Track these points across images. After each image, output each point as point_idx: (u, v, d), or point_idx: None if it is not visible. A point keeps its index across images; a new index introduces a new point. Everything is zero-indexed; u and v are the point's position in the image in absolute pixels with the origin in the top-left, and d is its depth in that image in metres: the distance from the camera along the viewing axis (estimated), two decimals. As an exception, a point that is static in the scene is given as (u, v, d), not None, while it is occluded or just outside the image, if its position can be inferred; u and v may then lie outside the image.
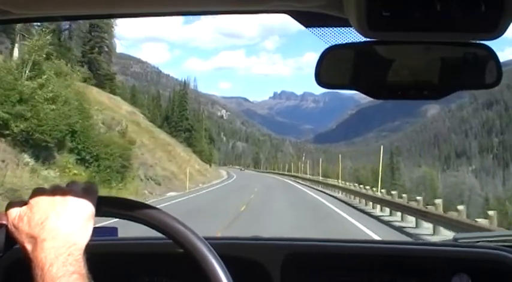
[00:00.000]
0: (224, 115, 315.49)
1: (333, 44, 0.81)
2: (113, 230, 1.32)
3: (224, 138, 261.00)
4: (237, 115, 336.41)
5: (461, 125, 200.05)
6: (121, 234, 1.35)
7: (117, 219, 0.75)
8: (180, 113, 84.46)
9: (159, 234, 0.71)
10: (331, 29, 0.80)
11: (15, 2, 0.76)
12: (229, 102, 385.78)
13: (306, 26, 0.81)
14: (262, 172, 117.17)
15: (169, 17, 0.89)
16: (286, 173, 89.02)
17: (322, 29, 0.81)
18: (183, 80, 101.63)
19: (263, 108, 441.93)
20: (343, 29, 0.79)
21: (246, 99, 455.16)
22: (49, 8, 0.81)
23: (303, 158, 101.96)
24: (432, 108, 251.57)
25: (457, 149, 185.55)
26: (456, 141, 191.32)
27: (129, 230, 1.15)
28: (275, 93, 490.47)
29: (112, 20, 38.12)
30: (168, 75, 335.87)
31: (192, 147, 76.07)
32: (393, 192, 19.25)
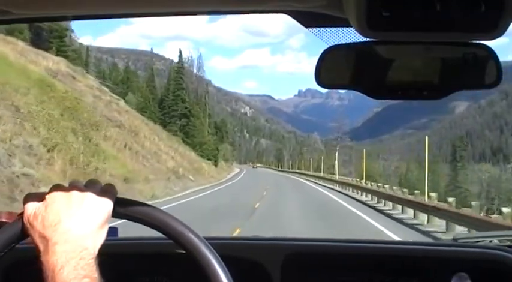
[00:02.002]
0: (248, 112, 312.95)
1: (333, 44, 0.81)
2: (113, 230, 1.32)
3: (247, 135, 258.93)
4: (261, 112, 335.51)
5: (495, 121, 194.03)
6: (121, 234, 1.36)
7: (119, 221, 0.75)
8: (174, 93, 63.99)
9: (159, 234, 0.72)
10: (331, 29, 0.80)
11: (15, 2, 0.76)
12: (254, 100, 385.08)
13: (306, 26, 0.81)
14: (283, 172, 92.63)
15: (170, 17, 0.89)
16: (320, 175, 58.85)
17: (322, 29, 0.81)
18: (179, 50, 76.41)
19: (288, 106, 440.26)
20: (343, 29, 0.79)
21: (271, 97, 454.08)
22: (49, 8, 0.81)
23: (336, 154, 79.02)
24: (460, 105, 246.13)
25: (493, 146, 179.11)
26: (491, 138, 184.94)
27: (129, 230, 1.16)
28: (300, 91, 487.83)
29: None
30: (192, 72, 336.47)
31: (189, 138, 60.71)
32: (473, 203, 13.12)
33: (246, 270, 1.07)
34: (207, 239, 0.71)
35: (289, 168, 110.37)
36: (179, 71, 69.46)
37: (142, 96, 61.37)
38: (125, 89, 61.77)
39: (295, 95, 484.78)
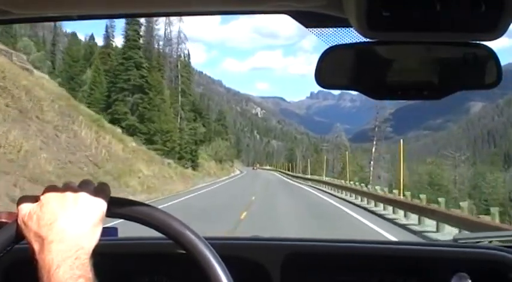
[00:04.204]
0: (259, 113, 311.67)
1: (333, 44, 0.81)
2: (112, 230, 1.32)
3: (258, 136, 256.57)
4: (272, 113, 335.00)
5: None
6: (121, 234, 1.36)
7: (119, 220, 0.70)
8: (124, 55, 42.31)
9: (159, 234, 0.72)
10: (331, 29, 0.80)
11: (15, 2, 0.76)
12: (266, 102, 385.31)
13: (306, 26, 0.81)
14: (295, 178, 58.48)
15: (170, 17, 0.89)
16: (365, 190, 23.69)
17: (322, 29, 0.81)
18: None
19: (300, 108, 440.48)
20: (343, 29, 0.79)
21: (283, 99, 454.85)
22: (49, 8, 0.80)
23: (373, 149, 55.89)
24: (475, 105, 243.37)
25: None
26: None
27: (129, 230, 1.16)
28: (312, 93, 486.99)
29: None
30: (201, 72, 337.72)
31: (144, 123, 40.69)
32: None
33: (246, 270, 1.07)
34: (207, 239, 0.71)
35: (304, 173, 76.76)
36: (133, 21, 42.54)
37: (95, 69, 44.77)
38: (88, 66, 47.61)
39: (307, 97, 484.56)
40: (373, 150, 55.63)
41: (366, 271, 1.25)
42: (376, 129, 60.92)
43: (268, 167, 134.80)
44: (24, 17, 0.86)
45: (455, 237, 1.47)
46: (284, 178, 63.42)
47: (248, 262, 1.24)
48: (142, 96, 41.94)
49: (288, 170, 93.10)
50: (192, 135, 52.73)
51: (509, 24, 0.67)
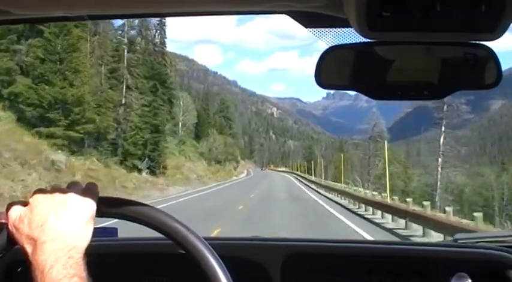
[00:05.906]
0: (275, 113, 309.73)
1: (333, 44, 0.81)
2: (112, 230, 1.32)
3: (273, 136, 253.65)
4: (289, 114, 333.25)
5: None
6: (121, 234, 1.37)
7: (116, 219, 0.74)
8: None
9: (159, 235, 0.72)
10: (331, 29, 0.81)
11: (15, 2, 0.76)
12: (282, 103, 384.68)
13: (306, 27, 0.81)
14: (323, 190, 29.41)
15: (171, 17, 0.88)
16: None
17: (322, 29, 0.81)
18: None
19: (317, 108, 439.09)
20: (343, 29, 0.79)
21: (299, 100, 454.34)
22: (50, 8, 0.80)
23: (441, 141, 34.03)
24: (494, 103, 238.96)
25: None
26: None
27: (129, 230, 1.16)
28: (328, 94, 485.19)
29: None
30: (216, 72, 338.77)
31: (37, 87, 23.05)
32: None
33: (246, 270, 1.07)
34: (207, 239, 0.71)
35: (325, 176, 52.56)
36: None
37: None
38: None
39: (323, 98, 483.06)
40: (441, 140, 33.04)
41: (365, 271, 1.25)
42: (446, 107, 34.81)
43: (282, 168, 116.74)
44: (24, 17, 0.86)
45: (455, 237, 1.47)
46: (307, 193, 31.91)
47: (248, 262, 1.24)
48: (71, 57, 24.69)
49: (308, 173, 68.57)
50: (150, 117, 32.40)
51: (509, 24, 0.66)
